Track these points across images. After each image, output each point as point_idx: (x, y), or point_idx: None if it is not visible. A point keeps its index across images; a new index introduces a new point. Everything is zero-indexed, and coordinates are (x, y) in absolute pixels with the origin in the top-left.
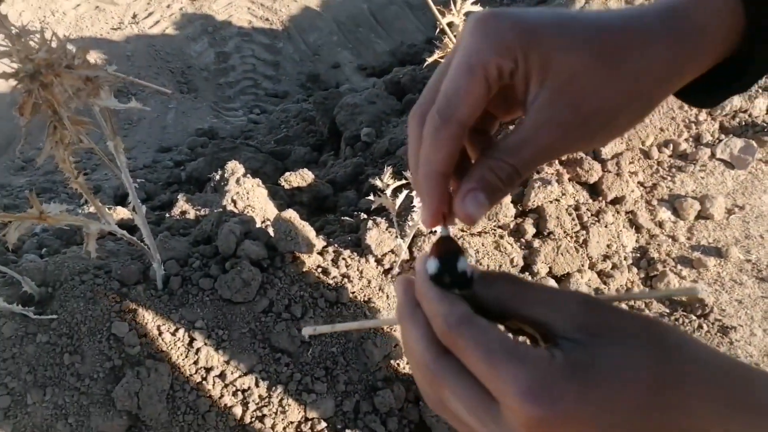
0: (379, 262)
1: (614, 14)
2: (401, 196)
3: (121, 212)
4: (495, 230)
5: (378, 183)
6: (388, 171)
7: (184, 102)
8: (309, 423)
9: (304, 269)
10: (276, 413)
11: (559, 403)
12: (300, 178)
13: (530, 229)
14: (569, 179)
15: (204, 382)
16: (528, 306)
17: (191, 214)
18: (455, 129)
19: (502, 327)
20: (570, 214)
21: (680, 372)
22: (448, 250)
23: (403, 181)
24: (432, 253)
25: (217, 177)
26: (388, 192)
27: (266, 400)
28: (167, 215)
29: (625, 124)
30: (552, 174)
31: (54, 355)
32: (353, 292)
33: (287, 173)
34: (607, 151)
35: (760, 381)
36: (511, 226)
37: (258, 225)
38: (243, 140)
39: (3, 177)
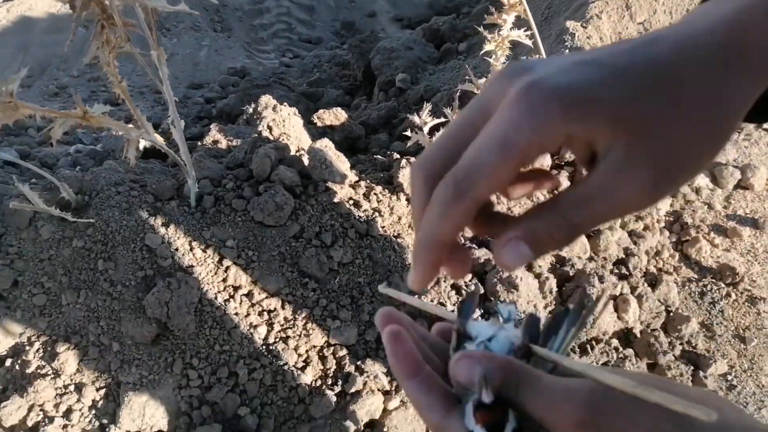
0: (410, 201)
1: (662, 50)
2: (438, 135)
3: (157, 138)
4: None
5: (416, 120)
6: (426, 108)
7: (218, 40)
8: (331, 348)
9: (336, 200)
10: (300, 336)
11: None
12: (333, 116)
13: (565, 181)
14: None
15: (231, 299)
16: (529, 399)
17: (223, 144)
18: (470, 205)
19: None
20: None
21: None
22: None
23: (442, 120)
24: (478, 421)
25: (250, 110)
26: (426, 129)
27: (291, 322)
28: (199, 143)
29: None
30: None
31: (89, 260)
32: (383, 227)
33: (320, 110)
34: None
35: None
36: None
37: (293, 153)
38: (276, 82)
39: (37, 102)
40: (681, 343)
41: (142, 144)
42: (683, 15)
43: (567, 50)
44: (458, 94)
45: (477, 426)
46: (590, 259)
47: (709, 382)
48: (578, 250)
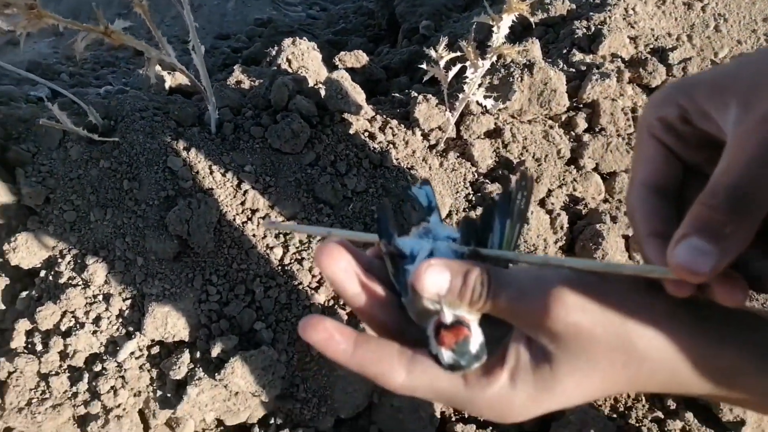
0: (425, 136)
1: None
2: (454, 70)
3: (180, 78)
4: (546, 120)
5: (432, 53)
6: (442, 42)
7: None
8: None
9: (352, 131)
10: (313, 258)
11: (522, 417)
12: (354, 58)
13: (582, 123)
14: (629, 80)
15: (249, 221)
16: (501, 315)
17: (246, 84)
18: (637, 192)
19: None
20: (626, 114)
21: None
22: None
23: (458, 53)
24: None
25: (273, 52)
26: (442, 63)
27: (305, 245)
28: (222, 83)
29: None
30: (612, 70)
31: (115, 180)
32: (397, 158)
33: (342, 52)
34: (675, 56)
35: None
36: (563, 118)
37: (310, 85)
38: (301, 30)
39: (68, 50)
40: None
41: (168, 83)
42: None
43: None
44: (474, 26)
45: (441, 349)
46: (605, 200)
47: None
48: (593, 191)
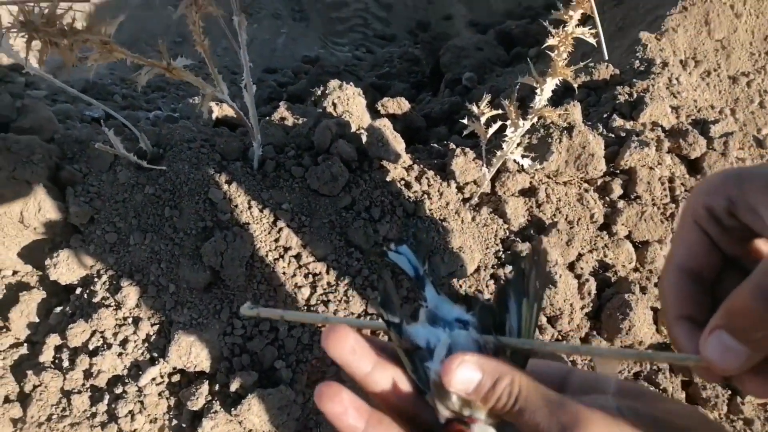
0: (460, 189)
1: None
2: (494, 127)
3: (226, 109)
4: (581, 183)
5: (474, 109)
6: (485, 98)
7: (295, 29)
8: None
9: (388, 178)
10: (340, 301)
11: None
12: (396, 105)
13: (617, 189)
14: (669, 149)
15: (281, 259)
16: (526, 428)
17: (290, 121)
18: (673, 275)
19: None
20: (662, 183)
21: None
22: None
23: (499, 111)
24: None
25: (318, 92)
26: (483, 120)
27: (333, 287)
28: (267, 119)
29: None
30: (652, 139)
31: (157, 206)
32: (431, 209)
33: (384, 98)
34: (717, 129)
35: None
36: (599, 182)
37: (353, 130)
38: (346, 71)
39: (125, 72)
40: None
41: (215, 114)
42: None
43: (637, 61)
44: (517, 86)
45: None
46: (635, 269)
47: (746, 408)
48: (623, 259)
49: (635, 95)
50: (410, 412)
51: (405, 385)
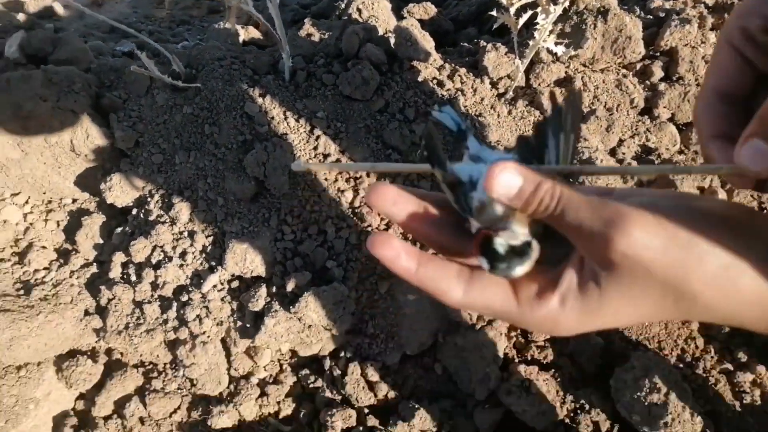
0: (494, 84)
1: None
2: (525, 16)
3: (252, 32)
4: (619, 69)
5: (503, 0)
6: None
7: None
8: None
9: (420, 78)
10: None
11: (565, 333)
12: (423, 10)
13: (658, 72)
14: (712, 26)
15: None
16: (562, 230)
17: (316, 37)
18: (707, 96)
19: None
20: (707, 62)
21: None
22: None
23: (529, 0)
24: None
25: (343, 5)
26: (512, 10)
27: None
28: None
29: None
30: (694, 16)
31: (196, 125)
32: (465, 106)
33: (410, 4)
34: None
35: None
36: (638, 67)
37: (380, 34)
38: None
39: (146, 9)
40: None
41: (242, 36)
42: None
43: None
44: None
45: (481, 258)
46: (680, 151)
47: None
48: (667, 141)
49: None
50: (457, 249)
51: (449, 222)
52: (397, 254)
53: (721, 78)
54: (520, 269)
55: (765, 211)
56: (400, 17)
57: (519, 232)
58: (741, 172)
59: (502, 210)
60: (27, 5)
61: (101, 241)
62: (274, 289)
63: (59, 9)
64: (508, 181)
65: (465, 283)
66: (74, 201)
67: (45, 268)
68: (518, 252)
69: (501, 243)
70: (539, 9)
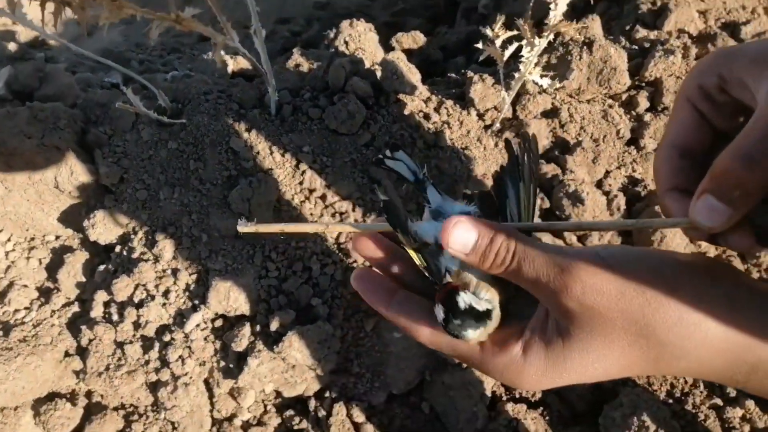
0: (480, 116)
1: None
2: (511, 48)
3: (241, 62)
4: (605, 99)
5: (488, 32)
6: (499, 20)
7: None
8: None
9: (407, 111)
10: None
11: (531, 387)
12: (411, 39)
13: (644, 102)
14: (696, 57)
15: (307, 201)
16: (521, 283)
17: (305, 67)
18: (666, 150)
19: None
20: None
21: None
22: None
23: (514, 32)
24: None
25: (332, 34)
26: (498, 42)
27: (372, 220)
28: (282, 66)
29: None
30: (678, 47)
31: (182, 160)
32: (452, 139)
33: (399, 33)
34: (748, 30)
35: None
36: (623, 97)
37: (367, 66)
38: (359, 12)
39: (138, 38)
40: (759, 272)
41: (230, 68)
42: None
43: None
44: (531, 4)
45: (437, 306)
46: None
47: None
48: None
49: (659, 3)
50: (426, 293)
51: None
52: (373, 288)
53: (680, 133)
54: (472, 334)
55: (728, 260)
56: (388, 46)
57: (484, 299)
58: (695, 226)
59: (470, 277)
60: (18, 35)
61: (84, 279)
62: (258, 328)
63: (52, 40)
64: (462, 236)
65: (433, 323)
66: (57, 238)
67: (26, 308)
68: (476, 316)
69: (463, 299)
70: (524, 42)
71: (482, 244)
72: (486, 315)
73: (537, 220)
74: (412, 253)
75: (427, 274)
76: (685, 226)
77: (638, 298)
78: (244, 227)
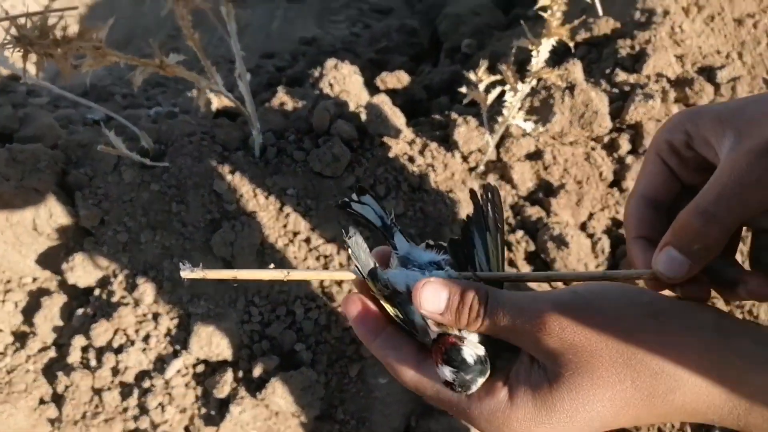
0: (465, 158)
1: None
2: (494, 92)
3: (225, 100)
4: (588, 142)
5: (471, 76)
6: (483, 65)
7: (290, 10)
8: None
9: (391, 154)
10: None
11: None
12: (396, 79)
13: (625, 145)
14: (675, 100)
15: (291, 244)
16: (501, 334)
17: (289, 105)
18: (635, 201)
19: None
20: None
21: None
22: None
23: (498, 77)
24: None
25: (316, 73)
26: (482, 87)
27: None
28: (266, 105)
29: None
30: (657, 91)
31: (164, 203)
32: (436, 181)
33: (383, 73)
34: (723, 74)
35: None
36: (605, 140)
37: (351, 109)
38: (343, 49)
39: (123, 72)
40: (742, 313)
41: (214, 105)
42: None
43: (638, 12)
44: (513, 50)
45: (439, 366)
46: None
47: None
48: None
49: (637, 47)
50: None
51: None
52: (363, 317)
53: (649, 185)
54: (481, 381)
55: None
56: (373, 86)
57: (476, 341)
58: (656, 276)
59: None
60: None
61: (61, 323)
62: (240, 374)
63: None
64: (432, 296)
65: (418, 364)
66: (35, 280)
67: (0, 353)
68: (482, 362)
69: (469, 354)
70: (507, 86)
71: (454, 302)
72: (486, 358)
73: (509, 269)
74: (385, 303)
75: (401, 324)
76: (646, 277)
77: (620, 324)
78: (189, 273)
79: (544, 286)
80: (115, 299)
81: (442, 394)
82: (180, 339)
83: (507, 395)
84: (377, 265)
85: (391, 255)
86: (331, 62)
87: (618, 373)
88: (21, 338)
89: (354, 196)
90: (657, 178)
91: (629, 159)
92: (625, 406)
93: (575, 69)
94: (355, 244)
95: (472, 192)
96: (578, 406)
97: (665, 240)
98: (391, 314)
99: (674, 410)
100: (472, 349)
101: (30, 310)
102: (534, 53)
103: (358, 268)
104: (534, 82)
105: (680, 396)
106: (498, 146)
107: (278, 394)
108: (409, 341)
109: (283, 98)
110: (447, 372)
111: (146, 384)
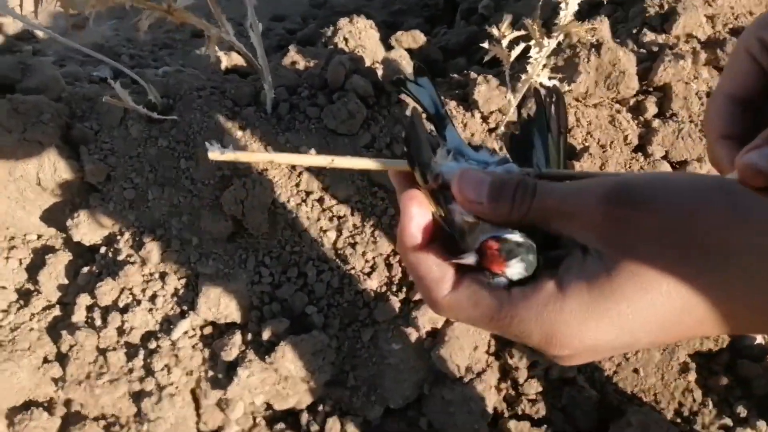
0: (484, 119)
1: None
2: (517, 49)
3: (235, 58)
4: (613, 104)
5: (494, 32)
6: (506, 19)
7: None
8: (397, 257)
9: (408, 112)
10: (367, 242)
11: (572, 349)
12: (411, 38)
13: (652, 108)
14: (705, 62)
15: (303, 204)
16: (549, 219)
17: (301, 65)
18: (720, 99)
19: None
20: (700, 98)
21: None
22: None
23: (522, 32)
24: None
25: (329, 32)
26: (504, 43)
27: (359, 229)
28: (278, 64)
29: None
30: (687, 51)
31: (172, 158)
32: None
33: (398, 32)
34: None
35: None
36: (631, 102)
37: (367, 65)
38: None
39: (129, 32)
40: None
41: (224, 64)
42: None
43: None
44: (539, 3)
45: (492, 270)
46: None
47: None
48: None
49: (666, 6)
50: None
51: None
52: (416, 215)
53: (736, 83)
54: (532, 269)
55: None
56: (387, 45)
57: (519, 239)
58: (745, 180)
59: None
60: (5, 27)
61: (66, 282)
62: (249, 337)
63: (39, 31)
64: (474, 181)
65: (455, 282)
66: (39, 237)
67: (3, 311)
68: (533, 250)
69: (518, 239)
70: (532, 42)
71: (495, 187)
72: (535, 251)
73: None
74: (430, 199)
75: (444, 225)
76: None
77: (677, 200)
78: (218, 154)
79: None
80: (121, 257)
81: (482, 305)
82: (188, 299)
83: (557, 288)
84: (431, 157)
85: (439, 146)
86: (345, 18)
87: (671, 254)
88: (25, 296)
89: (411, 75)
90: (746, 76)
91: (656, 123)
92: (677, 289)
93: (602, 27)
94: (412, 125)
95: (536, 91)
96: (638, 291)
97: (758, 141)
98: (434, 213)
99: (718, 301)
100: (520, 237)
101: (34, 268)
102: (562, 5)
103: (410, 153)
104: (561, 37)
105: (725, 276)
106: (519, 107)
107: (288, 358)
108: (447, 261)
109: (294, 57)
110: (499, 262)
111: (152, 345)
